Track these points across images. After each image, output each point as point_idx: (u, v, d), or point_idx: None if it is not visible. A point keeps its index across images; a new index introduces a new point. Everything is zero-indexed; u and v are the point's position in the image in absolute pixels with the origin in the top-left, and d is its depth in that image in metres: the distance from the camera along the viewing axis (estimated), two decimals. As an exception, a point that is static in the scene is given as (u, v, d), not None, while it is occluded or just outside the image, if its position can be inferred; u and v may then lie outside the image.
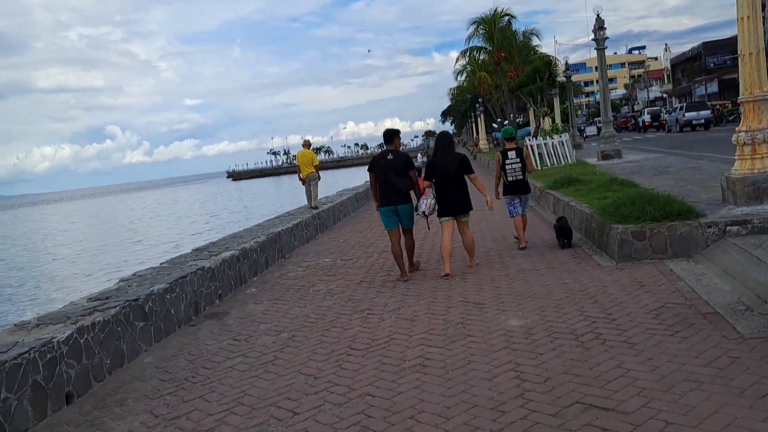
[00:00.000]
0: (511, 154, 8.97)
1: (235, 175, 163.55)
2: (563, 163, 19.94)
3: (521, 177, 8.90)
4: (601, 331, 4.97)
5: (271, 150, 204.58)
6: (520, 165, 8.87)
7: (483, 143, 61.13)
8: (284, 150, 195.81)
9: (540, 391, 3.97)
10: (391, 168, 7.76)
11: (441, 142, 8.22)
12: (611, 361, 4.32)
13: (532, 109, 45.05)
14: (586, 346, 4.68)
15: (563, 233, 8.62)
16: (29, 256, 31.90)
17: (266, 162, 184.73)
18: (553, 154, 20.21)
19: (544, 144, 20.45)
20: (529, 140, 21.95)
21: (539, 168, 19.31)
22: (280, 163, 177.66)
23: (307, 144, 15.55)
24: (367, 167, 8.29)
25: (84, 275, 21.71)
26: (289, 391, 4.51)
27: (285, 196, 48.41)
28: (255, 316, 6.94)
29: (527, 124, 55.39)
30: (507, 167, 8.90)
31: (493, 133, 68.86)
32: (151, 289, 6.41)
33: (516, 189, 8.92)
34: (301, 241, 12.13)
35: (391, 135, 8.09)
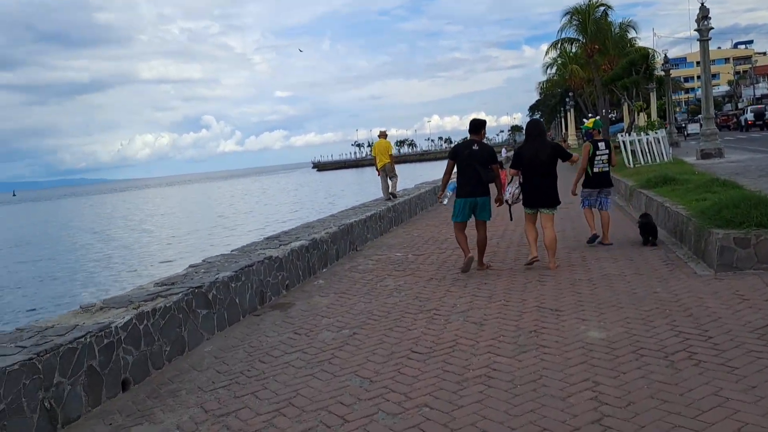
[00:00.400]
0: (601, 145, 8.86)
1: (320, 166, 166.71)
2: (658, 161, 18.67)
3: (607, 168, 8.85)
4: (695, 350, 4.38)
5: (355, 142, 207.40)
6: (608, 157, 8.80)
7: (572, 139, 59.02)
8: (368, 142, 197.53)
9: (620, 417, 3.48)
10: (476, 158, 7.56)
11: (533, 130, 7.93)
12: (706, 387, 3.75)
13: (626, 104, 42.88)
14: (677, 366, 4.12)
15: (648, 230, 8.31)
16: (131, 235, 33.65)
17: (350, 153, 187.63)
18: (647, 151, 18.97)
19: (638, 140, 19.21)
20: (622, 136, 20.71)
21: (632, 165, 18.19)
22: (363, 155, 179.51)
23: (383, 134, 15.26)
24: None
25: (174, 256, 22.57)
26: (342, 395, 4.23)
27: (367, 187, 48.53)
28: (319, 309, 6.73)
29: (620, 119, 52.95)
30: (596, 158, 8.75)
31: (588, 115, 66.38)
32: (217, 276, 6.32)
33: (600, 181, 8.82)
34: (374, 233, 11.89)
35: (479, 125, 7.89)
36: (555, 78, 58.31)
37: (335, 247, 9.69)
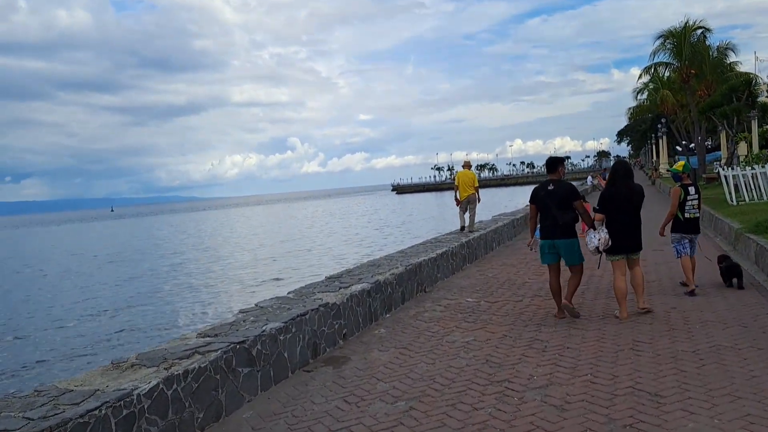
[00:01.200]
0: (692, 189, 8.40)
1: (399, 189, 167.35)
2: (765, 198, 16.86)
3: (698, 215, 8.42)
4: None
5: (435, 165, 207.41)
6: (698, 202, 8.36)
7: (663, 167, 55.96)
8: (448, 166, 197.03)
9: None
10: (552, 199, 7.20)
11: (621, 170, 7.43)
12: None
13: (724, 132, 40.01)
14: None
15: (732, 272, 8.24)
16: (210, 257, 34.38)
17: (430, 177, 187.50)
18: (753, 186, 17.19)
19: (742, 175, 17.46)
20: (723, 169, 18.96)
21: (734, 202, 16.51)
22: (443, 178, 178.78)
23: (467, 165, 14.76)
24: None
25: (250, 282, 22.65)
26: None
27: (446, 213, 47.68)
28: (376, 368, 6.00)
29: (717, 147, 49.55)
30: (687, 203, 8.31)
31: (677, 157, 62.95)
32: (264, 328, 5.74)
33: (691, 228, 8.37)
34: (445, 272, 11.10)
35: (555, 163, 7.48)
36: (646, 103, 55.61)
37: (401, 290, 8.98)
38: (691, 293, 8.00)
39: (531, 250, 8.19)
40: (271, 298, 7.40)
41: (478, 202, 14.33)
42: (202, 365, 4.82)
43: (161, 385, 4.39)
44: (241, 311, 6.73)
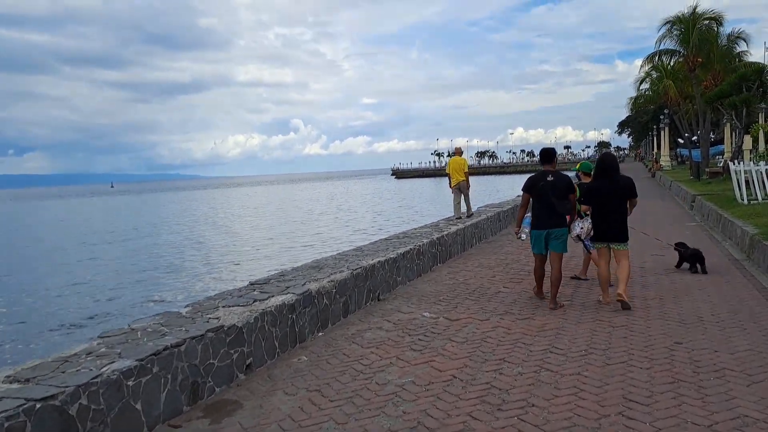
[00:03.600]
0: None
1: (399, 174, 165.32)
2: (779, 196, 15.17)
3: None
4: None
5: (435, 151, 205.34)
6: None
7: (664, 160, 54.25)
8: (448, 152, 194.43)
9: None
10: (552, 190, 7.33)
11: (608, 164, 7.43)
12: None
13: (728, 125, 38.23)
14: None
15: (697, 258, 8.86)
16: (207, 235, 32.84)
17: (429, 162, 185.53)
18: (766, 183, 15.47)
19: (755, 170, 15.74)
20: (734, 164, 17.21)
21: (745, 201, 14.82)
22: (442, 164, 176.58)
23: (458, 151, 14.58)
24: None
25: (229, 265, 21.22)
26: None
27: (444, 198, 45.93)
28: (268, 425, 4.34)
29: (719, 141, 47.72)
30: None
31: (678, 150, 61.17)
32: (102, 371, 4.04)
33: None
34: (408, 275, 9.42)
35: (551, 155, 7.65)
36: (648, 93, 53.68)
37: (343, 299, 7.31)
38: (575, 278, 8.83)
39: (518, 238, 8.11)
40: (154, 315, 5.67)
41: (468, 188, 14.12)
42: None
43: None
44: (101, 335, 5.02)
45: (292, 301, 6.23)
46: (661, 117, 53.31)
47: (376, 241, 10.94)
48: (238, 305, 5.91)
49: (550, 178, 7.35)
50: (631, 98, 60.97)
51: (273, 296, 6.25)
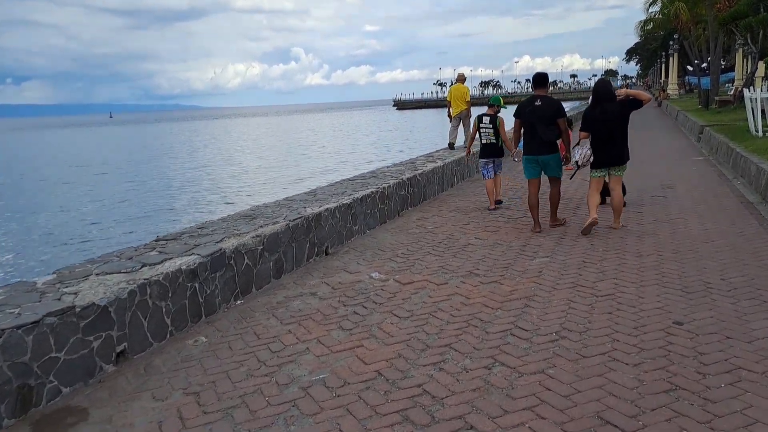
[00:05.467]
0: (486, 119, 9.04)
1: (401, 104, 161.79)
2: (798, 128, 13.63)
3: (494, 141, 9.07)
4: None
5: (437, 81, 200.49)
6: (493, 130, 8.99)
7: (672, 88, 51.96)
8: (451, 81, 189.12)
9: None
10: (537, 116, 7.30)
11: (603, 92, 7.27)
12: None
13: (741, 50, 35.97)
14: None
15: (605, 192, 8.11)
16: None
17: (432, 93, 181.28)
18: (784, 113, 13.91)
19: (772, 98, 14.13)
20: (749, 91, 15.56)
21: (760, 133, 13.31)
22: (445, 95, 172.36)
23: (461, 78, 13.43)
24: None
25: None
26: None
27: (442, 130, 44.23)
28: (104, 454, 3.14)
29: (730, 69, 45.32)
30: (482, 130, 9.10)
31: (687, 78, 58.62)
32: None
33: (488, 152, 9.15)
34: (369, 222, 8.13)
35: (543, 79, 7.61)
36: (658, 17, 50.73)
37: (274, 258, 6.04)
38: (492, 209, 9.01)
39: (515, 161, 8.59)
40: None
41: (469, 117, 12.84)
42: None
43: None
44: None
45: (194, 265, 4.95)
46: (671, 42, 50.65)
47: (334, 183, 9.56)
48: (120, 271, 4.63)
49: (537, 103, 7.35)
50: (640, 22, 57.88)
51: (170, 259, 4.97)
